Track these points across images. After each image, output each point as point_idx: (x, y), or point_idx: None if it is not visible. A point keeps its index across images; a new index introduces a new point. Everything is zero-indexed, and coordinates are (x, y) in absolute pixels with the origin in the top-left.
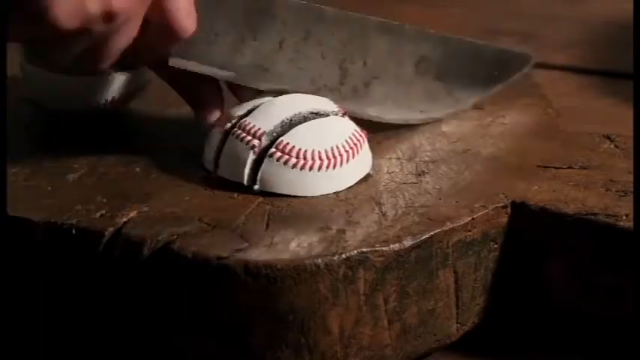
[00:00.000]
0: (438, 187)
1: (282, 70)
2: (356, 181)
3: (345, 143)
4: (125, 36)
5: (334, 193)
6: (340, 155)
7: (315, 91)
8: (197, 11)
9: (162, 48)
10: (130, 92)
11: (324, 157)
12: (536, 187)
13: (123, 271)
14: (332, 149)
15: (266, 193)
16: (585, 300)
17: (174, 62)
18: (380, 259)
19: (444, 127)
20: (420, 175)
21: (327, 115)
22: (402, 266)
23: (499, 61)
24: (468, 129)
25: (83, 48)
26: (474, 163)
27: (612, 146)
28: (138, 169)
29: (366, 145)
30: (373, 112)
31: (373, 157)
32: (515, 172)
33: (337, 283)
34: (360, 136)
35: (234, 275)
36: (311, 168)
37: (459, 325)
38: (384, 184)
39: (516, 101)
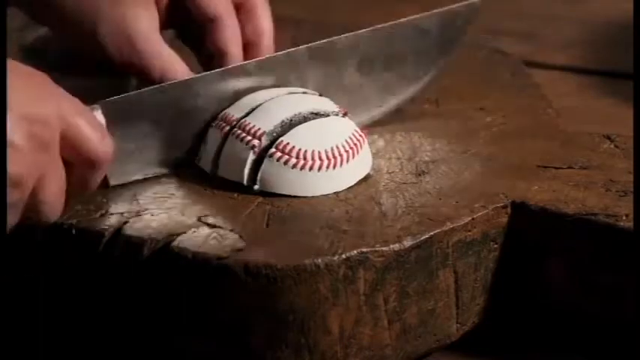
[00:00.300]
0: (438, 187)
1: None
2: (356, 181)
3: (345, 143)
4: (51, 186)
5: (334, 193)
6: (340, 155)
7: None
8: (111, 132)
9: (94, 178)
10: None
11: (324, 157)
12: (536, 187)
13: (123, 271)
14: (332, 149)
15: (266, 193)
16: (585, 300)
17: (115, 181)
18: (380, 259)
19: (445, 128)
20: (420, 175)
21: (327, 116)
22: (402, 266)
23: (446, 25)
24: (468, 129)
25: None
26: (474, 163)
27: (612, 146)
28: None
29: (366, 145)
30: None
31: (373, 157)
32: (515, 172)
33: (337, 283)
34: (360, 136)
35: (234, 275)
36: (311, 168)
37: (459, 325)
38: (384, 184)
39: (516, 101)
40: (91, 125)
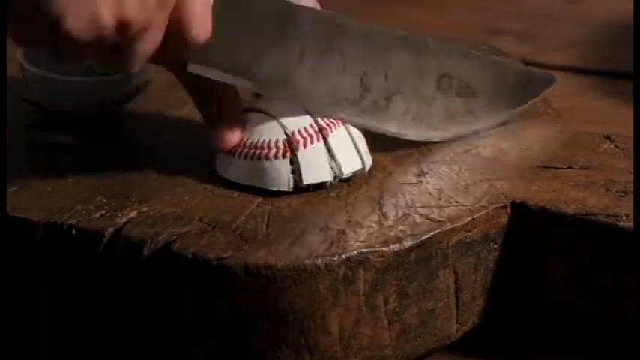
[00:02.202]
0: (438, 187)
1: (302, 80)
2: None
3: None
4: (148, 44)
5: (334, 193)
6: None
7: (335, 104)
8: (213, 18)
9: (176, 53)
10: (130, 92)
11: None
12: (536, 187)
13: (123, 271)
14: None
15: (266, 193)
16: (585, 300)
17: (193, 68)
18: (380, 259)
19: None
20: (420, 175)
21: None
22: (402, 266)
23: (522, 81)
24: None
25: (105, 54)
26: (474, 163)
27: (612, 146)
28: (138, 169)
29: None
30: (393, 129)
31: (373, 157)
32: (515, 172)
33: (337, 283)
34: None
35: (234, 275)
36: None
37: (459, 325)
38: (384, 184)
39: None
40: (202, 6)
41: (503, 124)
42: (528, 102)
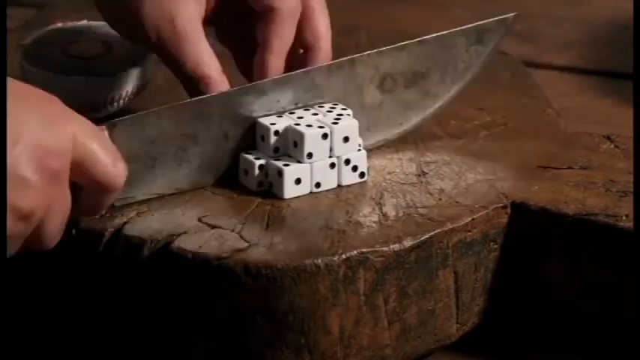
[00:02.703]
0: (438, 187)
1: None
2: None
3: None
4: (57, 219)
5: (334, 193)
6: None
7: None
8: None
9: (105, 202)
10: (130, 92)
11: None
12: (536, 188)
13: (123, 271)
14: None
15: (266, 194)
16: (585, 300)
17: (119, 203)
18: (380, 259)
19: (445, 128)
20: (420, 175)
21: None
22: (402, 266)
23: (473, 41)
24: (468, 129)
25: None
26: (474, 163)
27: (612, 146)
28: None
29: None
30: None
31: (373, 157)
32: (515, 172)
33: (337, 283)
34: None
35: (234, 275)
36: None
37: (458, 325)
38: (384, 184)
39: (516, 101)
40: (104, 149)
41: (466, 85)
42: (488, 51)
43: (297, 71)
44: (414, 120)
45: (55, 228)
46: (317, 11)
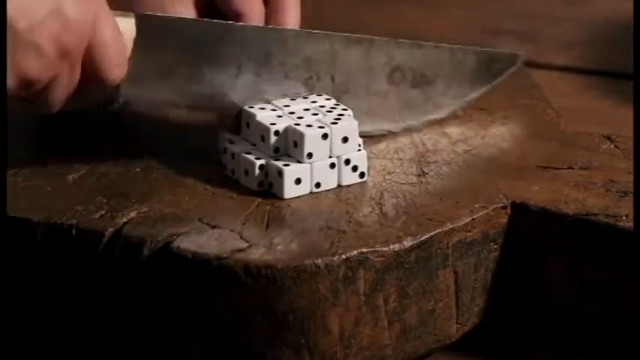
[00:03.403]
0: (438, 187)
1: (242, 93)
2: None
3: None
4: (58, 92)
5: (334, 193)
6: None
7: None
8: (140, 50)
9: (97, 92)
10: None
11: None
12: (536, 188)
13: (123, 271)
14: None
15: (266, 194)
16: (585, 300)
17: (126, 96)
18: (380, 259)
19: (445, 128)
20: (420, 175)
21: None
22: (402, 266)
23: (484, 62)
24: (468, 129)
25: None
26: (475, 163)
27: (612, 146)
28: (138, 169)
29: None
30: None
31: (373, 158)
32: (515, 173)
33: (337, 283)
34: None
35: (234, 275)
36: None
37: (458, 325)
38: (384, 184)
39: (516, 101)
40: (115, 45)
41: (466, 106)
42: (492, 82)
43: (319, 31)
44: (409, 121)
45: (56, 98)
46: (287, 3)
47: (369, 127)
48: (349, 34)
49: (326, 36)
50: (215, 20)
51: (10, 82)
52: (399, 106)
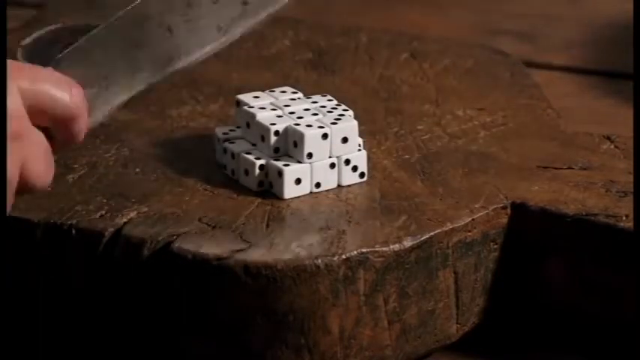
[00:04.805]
0: (438, 187)
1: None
2: None
3: None
4: (38, 162)
5: (334, 193)
6: None
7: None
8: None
9: (78, 128)
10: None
11: None
12: (536, 188)
13: (123, 271)
14: None
15: (266, 194)
16: (585, 300)
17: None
18: (380, 259)
19: (445, 128)
20: (420, 175)
21: None
22: (402, 267)
23: None
24: (468, 129)
25: None
26: (475, 163)
27: (612, 147)
28: (138, 170)
29: None
30: None
31: (374, 157)
32: (515, 173)
33: (337, 283)
34: None
35: (234, 276)
36: None
37: (458, 325)
38: (383, 184)
39: (516, 101)
40: (54, 84)
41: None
42: (253, 18)
43: None
44: (234, 29)
45: (40, 170)
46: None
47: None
48: None
49: None
50: (112, 19)
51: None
52: (220, 17)
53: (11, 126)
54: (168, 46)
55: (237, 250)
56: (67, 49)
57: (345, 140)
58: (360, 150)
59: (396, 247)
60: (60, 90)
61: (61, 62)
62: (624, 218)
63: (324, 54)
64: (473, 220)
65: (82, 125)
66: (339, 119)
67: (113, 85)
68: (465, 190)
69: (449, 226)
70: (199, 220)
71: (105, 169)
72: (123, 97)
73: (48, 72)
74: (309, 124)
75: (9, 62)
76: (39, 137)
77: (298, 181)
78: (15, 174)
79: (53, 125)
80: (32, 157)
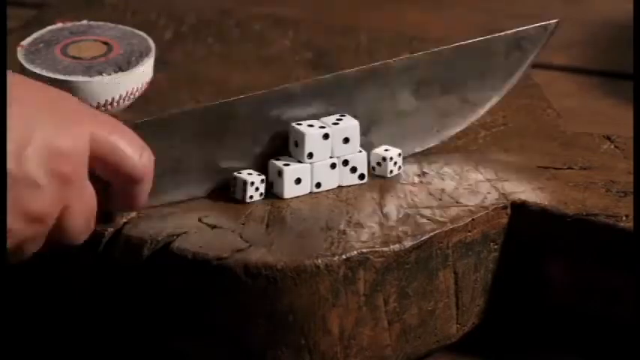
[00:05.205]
0: (438, 187)
1: (261, 160)
2: None
3: None
4: (78, 217)
5: (334, 193)
6: None
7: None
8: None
9: (138, 193)
10: (131, 92)
11: None
12: (537, 187)
13: (123, 271)
14: None
15: (266, 193)
16: (585, 300)
17: (151, 203)
18: (380, 259)
19: None
20: (420, 175)
21: None
22: (402, 267)
23: (510, 46)
24: (468, 129)
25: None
26: (475, 163)
27: (612, 147)
28: None
29: None
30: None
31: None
32: (515, 172)
33: (337, 283)
34: None
35: (234, 276)
36: None
37: (458, 325)
38: (384, 184)
39: (516, 101)
40: (127, 141)
41: (505, 92)
42: (526, 61)
43: (327, 75)
44: (451, 127)
45: (77, 227)
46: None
47: (410, 147)
48: (362, 67)
49: (335, 78)
50: (206, 103)
51: (21, 223)
52: (435, 117)
53: (65, 166)
54: (247, 155)
55: (237, 250)
56: (149, 119)
57: (346, 141)
58: (360, 151)
59: (396, 247)
60: (131, 148)
61: (138, 128)
62: (624, 218)
63: (324, 54)
64: (473, 220)
65: (144, 191)
66: (341, 119)
67: (182, 173)
68: (465, 190)
69: (449, 226)
70: (199, 220)
71: None
72: (188, 189)
73: (125, 128)
74: (311, 124)
75: (84, 108)
76: (89, 195)
77: (298, 180)
78: (53, 212)
79: (114, 181)
80: (75, 208)
